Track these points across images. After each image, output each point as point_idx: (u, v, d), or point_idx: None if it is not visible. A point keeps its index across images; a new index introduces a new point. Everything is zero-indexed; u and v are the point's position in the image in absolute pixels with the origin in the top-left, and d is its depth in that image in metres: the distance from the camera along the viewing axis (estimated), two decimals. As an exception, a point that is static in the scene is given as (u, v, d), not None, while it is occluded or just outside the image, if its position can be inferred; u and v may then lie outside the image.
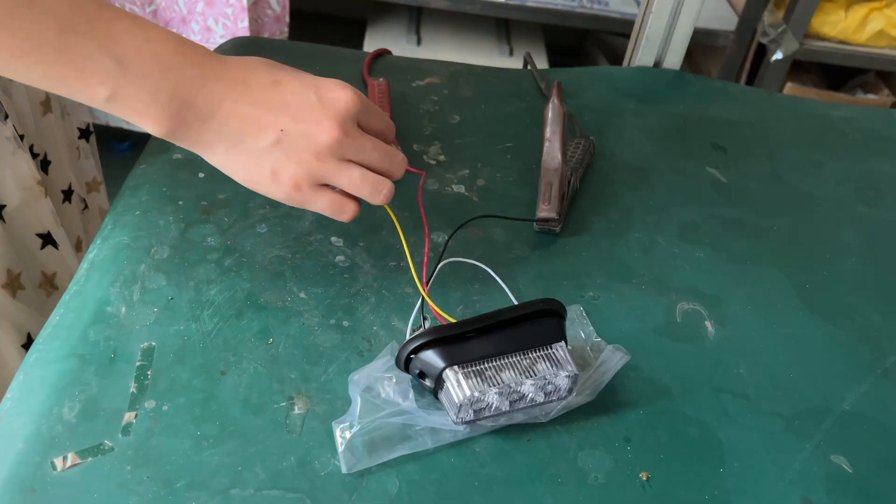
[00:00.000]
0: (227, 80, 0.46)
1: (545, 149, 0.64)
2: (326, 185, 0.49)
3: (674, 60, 0.84)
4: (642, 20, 0.82)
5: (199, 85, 0.45)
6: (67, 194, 0.78)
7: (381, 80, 0.74)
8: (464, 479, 0.44)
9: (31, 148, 0.70)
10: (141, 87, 0.43)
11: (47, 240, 0.72)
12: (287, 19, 1.62)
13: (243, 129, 0.46)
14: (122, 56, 0.43)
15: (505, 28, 1.92)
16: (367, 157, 0.49)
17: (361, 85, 0.76)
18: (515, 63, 1.79)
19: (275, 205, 0.59)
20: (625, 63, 0.88)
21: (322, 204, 0.49)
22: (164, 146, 0.64)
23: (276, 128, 0.47)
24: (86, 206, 0.83)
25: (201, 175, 0.61)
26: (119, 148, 1.88)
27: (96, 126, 1.69)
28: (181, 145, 0.47)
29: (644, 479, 0.46)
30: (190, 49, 0.45)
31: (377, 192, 0.50)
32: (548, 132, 0.64)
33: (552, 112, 0.65)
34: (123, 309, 0.50)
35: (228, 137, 0.46)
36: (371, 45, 1.81)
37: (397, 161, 0.51)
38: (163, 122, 0.45)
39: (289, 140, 0.47)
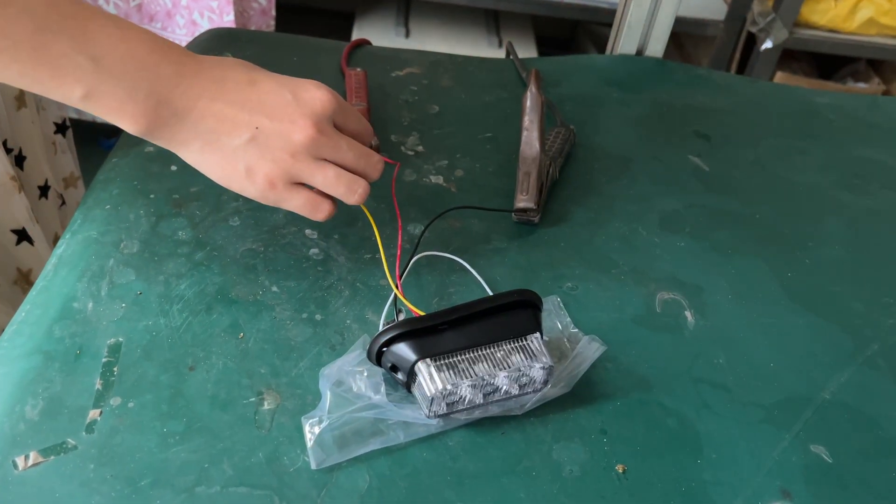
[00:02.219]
0: (203, 79, 0.46)
1: (523, 138, 0.63)
2: (301, 184, 0.49)
3: (656, 48, 0.83)
4: (624, 8, 0.81)
5: (174, 83, 0.45)
6: (44, 190, 0.77)
7: (358, 70, 0.73)
8: (436, 474, 0.44)
9: (4, 143, 0.69)
10: (117, 86, 0.43)
11: (22, 236, 0.71)
12: (273, 12, 1.61)
13: (218, 127, 0.46)
14: (98, 54, 0.43)
15: (494, 19, 1.91)
16: (342, 156, 0.49)
17: (340, 75, 0.75)
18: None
19: (247, 198, 0.58)
20: (607, 51, 0.87)
21: (296, 203, 0.49)
22: (137, 139, 0.63)
23: (252, 126, 0.47)
24: (63, 202, 0.82)
25: (173, 168, 0.60)
26: (106, 144, 1.86)
27: (83, 122, 1.68)
28: (157, 143, 0.47)
29: (620, 471, 0.45)
30: (166, 47, 0.46)
31: (352, 191, 0.49)
32: (526, 121, 0.63)
33: (530, 101, 0.64)
34: (90, 304, 0.49)
35: (203, 135, 0.46)
36: (359, 38, 1.79)
37: (373, 162, 0.51)
38: (139, 120, 0.45)
39: (263, 138, 0.47)
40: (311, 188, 0.49)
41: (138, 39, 0.44)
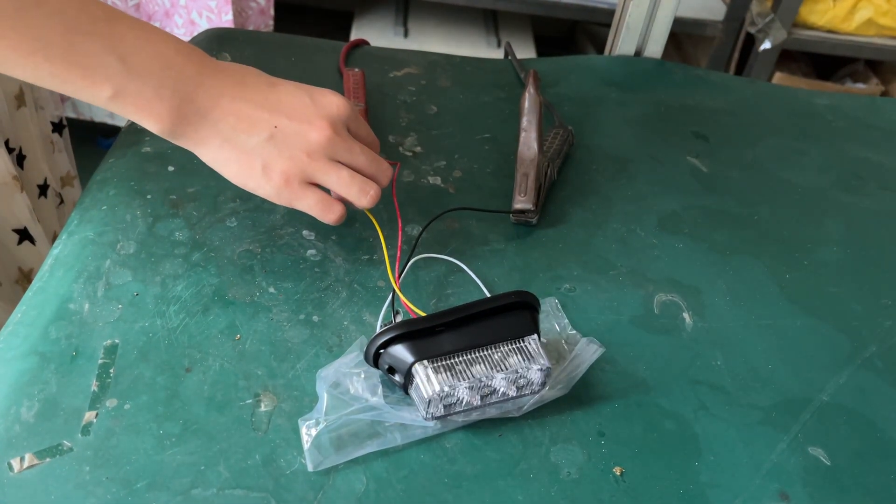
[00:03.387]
0: (224, 79, 0.48)
1: (521, 139, 0.63)
2: (315, 185, 0.50)
3: (655, 49, 0.83)
4: (623, 8, 0.81)
5: (197, 82, 0.47)
6: (43, 189, 0.77)
7: (356, 70, 0.73)
8: (433, 476, 0.43)
9: (6, 143, 0.69)
10: (144, 85, 0.45)
11: (24, 235, 0.71)
12: (272, 12, 1.61)
13: (238, 126, 0.48)
14: (126, 55, 0.44)
15: (493, 19, 1.91)
16: (355, 159, 0.51)
17: (337, 75, 0.75)
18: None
19: (245, 198, 0.58)
20: (606, 52, 0.87)
21: (309, 202, 0.50)
22: (134, 139, 0.63)
23: (271, 124, 0.48)
24: (61, 201, 0.82)
25: (171, 168, 0.60)
26: (105, 144, 1.86)
27: (82, 121, 1.68)
28: (178, 143, 0.48)
29: (618, 473, 0.45)
30: (189, 50, 0.47)
31: (364, 192, 0.51)
32: (524, 122, 0.63)
33: (528, 102, 0.64)
34: (87, 305, 0.49)
35: (223, 133, 0.48)
36: (357, 37, 1.79)
37: (384, 168, 0.53)
38: (164, 119, 0.46)
39: (281, 137, 0.48)
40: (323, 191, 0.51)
41: (163, 41, 0.46)
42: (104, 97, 0.44)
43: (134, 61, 0.44)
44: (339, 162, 0.50)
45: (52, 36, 0.42)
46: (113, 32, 0.44)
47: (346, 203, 0.52)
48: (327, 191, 0.51)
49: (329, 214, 0.51)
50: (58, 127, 0.81)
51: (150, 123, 0.46)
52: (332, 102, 0.50)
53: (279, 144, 0.48)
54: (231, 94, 0.48)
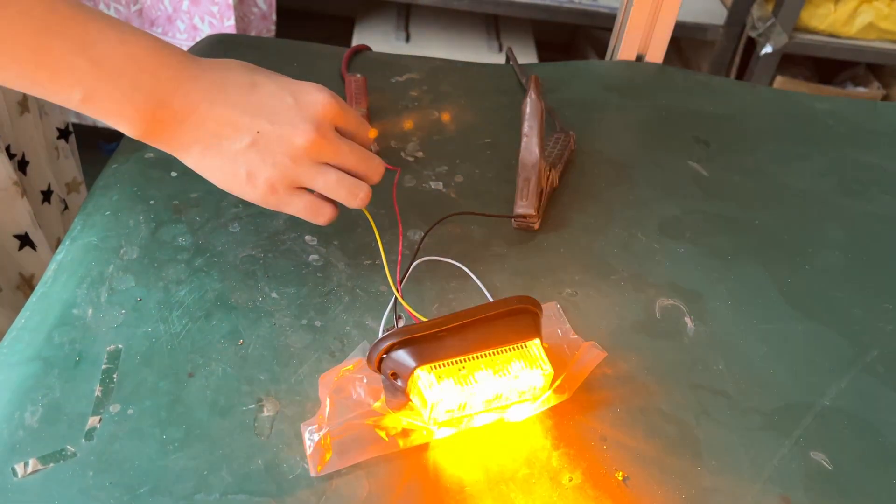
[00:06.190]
0: (203, 82, 0.46)
1: (523, 144, 0.63)
2: (303, 188, 0.49)
3: (656, 54, 0.84)
4: (624, 13, 0.81)
5: (174, 86, 0.45)
6: (46, 195, 0.77)
7: (358, 75, 0.73)
8: (435, 481, 0.44)
9: (7, 148, 0.70)
10: (115, 88, 0.43)
11: (25, 241, 0.71)
12: (274, 17, 1.61)
13: (219, 131, 0.46)
14: (97, 57, 0.43)
15: (494, 24, 1.92)
16: (343, 160, 0.49)
17: (339, 81, 0.75)
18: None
19: (247, 203, 0.58)
20: (607, 57, 0.87)
21: (298, 206, 0.49)
22: (137, 145, 0.63)
23: (252, 130, 0.47)
24: (66, 207, 0.82)
25: (173, 174, 0.60)
26: (106, 148, 1.87)
27: (84, 126, 1.68)
28: (157, 146, 0.47)
29: (620, 478, 0.45)
30: (166, 50, 0.45)
31: (353, 195, 0.50)
32: (525, 127, 0.63)
33: (529, 107, 0.64)
34: (90, 311, 0.49)
35: (204, 139, 0.46)
36: (359, 43, 1.80)
37: (374, 165, 0.51)
38: (138, 124, 0.45)
39: (265, 142, 0.47)
40: (312, 192, 0.50)
41: (137, 42, 0.44)
42: (75, 100, 0.43)
43: (105, 63, 0.43)
44: (328, 163, 0.49)
45: (20, 37, 0.40)
46: (84, 33, 0.42)
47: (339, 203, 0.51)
48: None
49: (319, 218, 0.50)
50: (64, 133, 0.81)
51: (123, 127, 0.45)
52: (316, 101, 0.48)
53: (262, 151, 0.47)
54: (210, 98, 0.46)
